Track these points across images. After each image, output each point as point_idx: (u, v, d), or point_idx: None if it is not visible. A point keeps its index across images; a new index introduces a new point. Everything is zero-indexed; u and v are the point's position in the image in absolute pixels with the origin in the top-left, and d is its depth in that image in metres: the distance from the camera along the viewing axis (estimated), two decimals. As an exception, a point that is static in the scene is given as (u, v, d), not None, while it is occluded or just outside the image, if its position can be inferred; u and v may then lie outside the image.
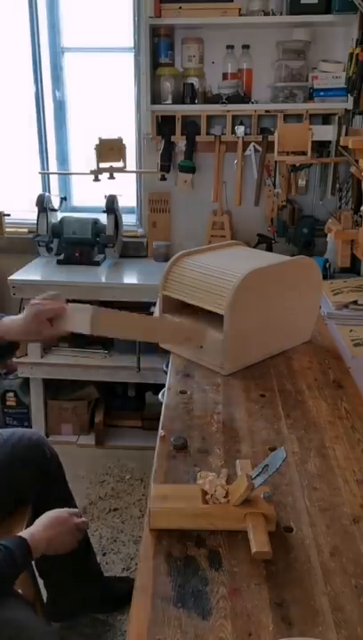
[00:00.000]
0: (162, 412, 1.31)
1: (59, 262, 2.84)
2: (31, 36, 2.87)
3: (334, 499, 1.02)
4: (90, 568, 1.76)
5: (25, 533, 1.23)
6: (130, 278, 2.78)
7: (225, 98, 2.67)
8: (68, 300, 1.39)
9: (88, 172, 2.68)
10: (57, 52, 3.00)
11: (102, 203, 2.82)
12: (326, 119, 2.73)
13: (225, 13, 2.56)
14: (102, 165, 2.69)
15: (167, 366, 1.55)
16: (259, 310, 1.47)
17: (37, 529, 1.26)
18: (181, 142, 2.81)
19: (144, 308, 2.52)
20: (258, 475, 0.97)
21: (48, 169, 3.08)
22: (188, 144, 2.79)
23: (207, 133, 2.77)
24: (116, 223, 2.84)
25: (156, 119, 2.78)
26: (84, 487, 2.51)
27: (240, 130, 2.71)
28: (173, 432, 1.22)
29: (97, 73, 2.98)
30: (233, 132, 2.73)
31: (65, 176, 3.15)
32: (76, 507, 1.63)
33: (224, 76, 2.72)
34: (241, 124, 2.72)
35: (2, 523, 1.47)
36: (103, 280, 2.70)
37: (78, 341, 2.74)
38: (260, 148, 2.77)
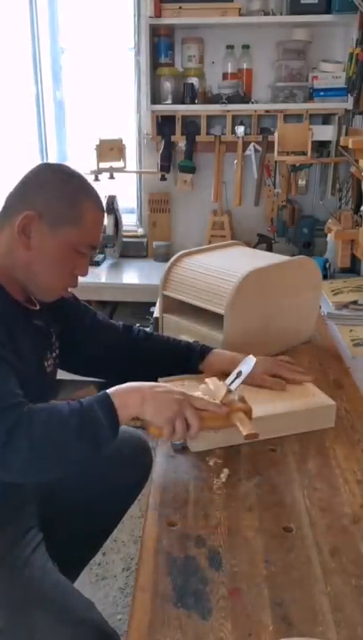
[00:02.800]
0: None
1: (59, 262, 2.84)
2: (31, 36, 2.87)
3: (334, 499, 1.02)
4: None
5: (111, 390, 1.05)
6: (130, 278, 2.78)
7: (225, 98, 2.67)
8: None
9: (88, 172, 2.69)
10: (57, 52, 3.00)
11: (102, 203, 2.81)
12: (326, 119, 2.73)
13: (225, 13, 2.56)
14: (102, 165, 2.70)
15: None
16: (259, 310, 1.47)
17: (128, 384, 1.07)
18: (181, 142, 2.81)
19: (144, 308, 2.53)
20: (233, 381, 1.12)
21: (48, 169, 3.07)
22: (188, 144, 2.79)
23: (207, 133, 2.77)
24: (116, 223, 2.84)
25: (156, 119, 2.78)
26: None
27: (240, 130, 2.71)
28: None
29: (97, 73, 2.98)
30: (233, 131, 2.73)
31: (65, 176, 3.14)
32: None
33: (224, 76, 2.72)
34: (241, 123, 2.72)
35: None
36: (103, 280, 2.70)
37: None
38: (260, 148, 2.77)
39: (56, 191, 1.09)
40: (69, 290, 1.20)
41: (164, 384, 1.11)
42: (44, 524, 1.23)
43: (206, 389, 1.16)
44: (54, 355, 1.23)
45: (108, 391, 1.03)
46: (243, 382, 1.14)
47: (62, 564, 1.16)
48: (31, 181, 1.12)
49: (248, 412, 1.11)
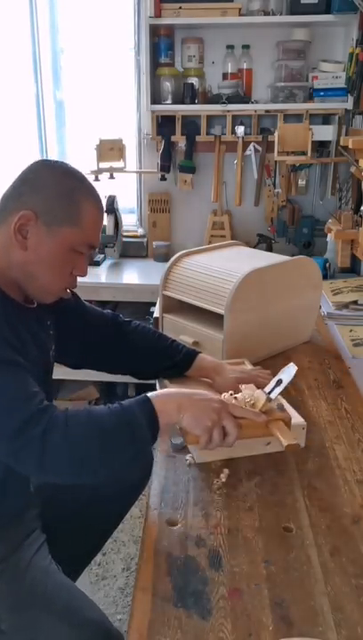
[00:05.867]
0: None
1: (59, 262, 2.84)
2: (31, 36, 2.87)
3: (334, 499, 1.02)
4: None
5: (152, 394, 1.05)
6: (130, 278, 2.78)
7: (225, 98, 2.67)
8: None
9: (88, 172, 2.68)
10: (57, 52, 2.99)
11: (102, 203, 2.81)
12: (326, 119, 2.73)
13: (225, 13, 2.56)
14: (102, 165, 2.69)
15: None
16: (259, 310, 1.47)
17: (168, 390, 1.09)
18: (181, 142, 2.81)
19: (144, 308, 2.53)
20: (273, 389, 1.08)
21: (48, 169, 3.07)
22: (188, 144, 2.79)
23: (207, 133, 2.77)
24: (117, 223, 2.83)
25: (156, 119, 2.78)
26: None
27: (240, 130, 2.71)
28: (172, 432, 1.22)
29: (97, 73, 2.98)
30: (233, 131, 2.73)
31: (65, 176, 3.14)
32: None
33: (224, 76, 2.72)
34: (241, 124, 2.72)
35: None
36: (103, 280, 2.70)
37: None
38: (260, 148, 2.77)
39: (53, 190, 1.06)
40: (68, 291, 1.17)
41: (203, 391, 1.08)
42: (46, 525, 1.23)
43: (245, 396, 1.12)
44: (53, 348, 1.21)
45: (148, 395, 1.02)
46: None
47: (64, 565, 1.16)
48: (28, 179, 1.09)
49: (288, 422, 1.08)
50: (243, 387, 1.17)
